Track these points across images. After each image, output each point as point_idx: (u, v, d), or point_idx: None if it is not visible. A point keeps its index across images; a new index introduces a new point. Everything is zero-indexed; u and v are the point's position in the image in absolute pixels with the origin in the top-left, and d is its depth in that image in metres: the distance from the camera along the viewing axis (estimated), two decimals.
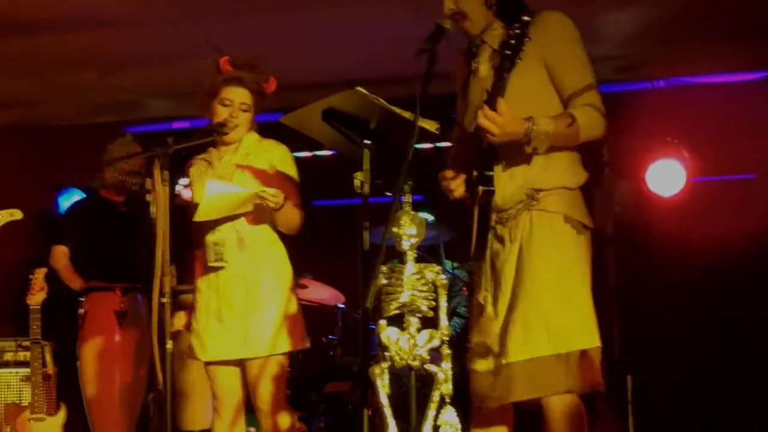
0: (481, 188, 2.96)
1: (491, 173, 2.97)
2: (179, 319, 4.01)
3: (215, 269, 3.84)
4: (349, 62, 5.89)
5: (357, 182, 3.05)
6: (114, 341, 5.02)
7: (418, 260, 2.67)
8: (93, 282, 5.11)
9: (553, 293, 2.97)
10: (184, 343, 4.45)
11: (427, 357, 2.60)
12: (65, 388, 5.19)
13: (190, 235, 3.95)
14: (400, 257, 2.66)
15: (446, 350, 2.62)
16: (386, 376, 2.62)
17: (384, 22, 5.38)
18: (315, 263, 5.82)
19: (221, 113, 3.85)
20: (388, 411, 2.59)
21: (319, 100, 3.14)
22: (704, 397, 5.97)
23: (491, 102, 2.87)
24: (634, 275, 6.29)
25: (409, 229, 2.64)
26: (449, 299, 2.68)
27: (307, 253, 4.45)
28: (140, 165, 5.10)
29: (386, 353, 2.60)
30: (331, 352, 5.84)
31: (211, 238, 3.83)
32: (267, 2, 5.15)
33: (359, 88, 3.06)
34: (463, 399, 3.01)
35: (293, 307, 3.89)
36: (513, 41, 2.82)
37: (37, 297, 4.82)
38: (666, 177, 5.97)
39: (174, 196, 5.17)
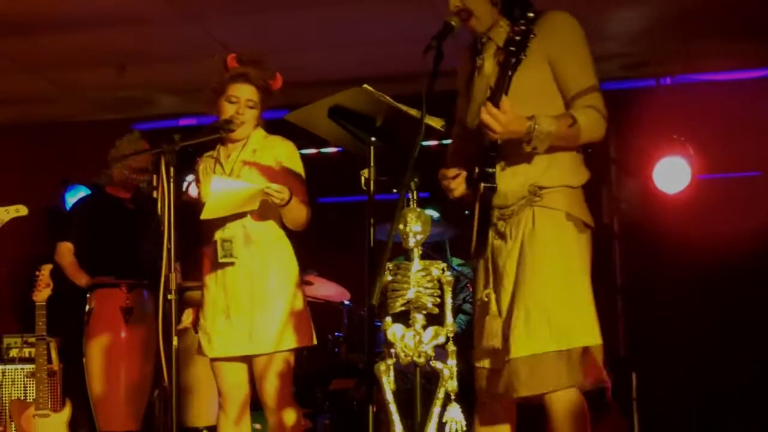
0: (482, 185, 2.96)
1: (493, 170, 2.97)
2: (187, 316, 4.02)
3: (223, 266, 3.83)
4: (353, 60, 5.89)
5: (363, 179, 3.06)
6: (120, 338, 5.02)
7: (423, 257, 2.67)
8: (99, 278, 5.11)
9: (555, 289, 2.96)
10: (190, 340, 4.46)
11: (433, 354, 2.60)
12: (70, 385, 5.21)
13: (196, 233, 3.96)
14: (405, 254, 2.66)
15: (451, 347, 2.62)
16: (392, 373, 2.63)
17: (389, 20, 5.38)
18: (320, 260, 5.81)
19: (228, 110, 3.85)
20: (393, 408, 2.59)
21: (325, 98, 3.14)
22: (711, 395, 5.96)
23: (495, 99, 2.87)
24: (640, 272, 6.28)
25: (415, 226, 2.64)
26: (454, 296, 2.68)
27: (312, 250, 4.45)
28: (147, 162, 5.11)
29: (392, 350, 2.60)
30: (337, 349, 5.84)
31: (220, 235, 3.83)
32: (268, 1, 5.16)
33: (366, 86, 3.06)
34: (468, 396, 3.02)
35: (299, 304, 3.88)
36: (518, 38, 2.82)
37: (42, 293, 4.82)
38: (672, 174, 5.97)
39: (181, 193, 5.19)
